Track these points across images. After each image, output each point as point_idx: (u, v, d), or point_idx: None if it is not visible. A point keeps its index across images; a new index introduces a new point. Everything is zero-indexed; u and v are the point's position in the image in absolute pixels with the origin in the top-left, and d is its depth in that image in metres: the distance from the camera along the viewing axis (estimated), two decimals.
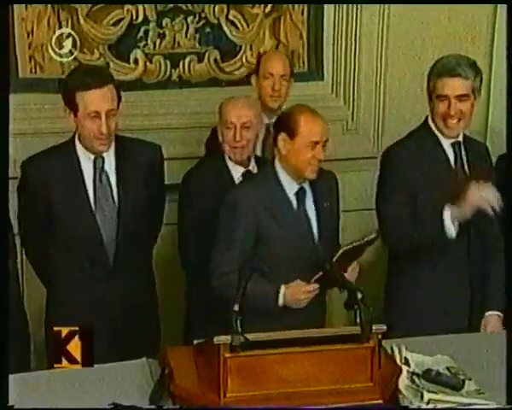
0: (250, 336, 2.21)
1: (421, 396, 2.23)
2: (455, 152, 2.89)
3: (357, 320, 2.26)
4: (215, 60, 3.76)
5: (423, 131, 2.93)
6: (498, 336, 2.57)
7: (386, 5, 3.80)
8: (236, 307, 2.25)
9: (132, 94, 3.47)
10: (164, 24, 3.64)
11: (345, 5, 3.77)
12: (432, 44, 3.88)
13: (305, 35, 3.84)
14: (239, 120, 3.01)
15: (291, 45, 3.83)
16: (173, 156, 3.37)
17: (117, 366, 2.43)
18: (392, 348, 2.42)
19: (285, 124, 2.74)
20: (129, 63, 3.64)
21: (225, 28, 3.74)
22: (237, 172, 3.06)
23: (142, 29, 3.62)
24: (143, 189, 2.83)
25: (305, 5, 3.80)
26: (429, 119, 2.92)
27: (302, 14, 3.80)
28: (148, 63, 3.66)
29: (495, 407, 2.20)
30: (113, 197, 2.76)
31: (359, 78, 3.87)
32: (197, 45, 3.72)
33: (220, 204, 2.78)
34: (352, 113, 3.90)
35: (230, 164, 3.06)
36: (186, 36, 3.69)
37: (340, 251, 2.64)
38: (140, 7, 3.59)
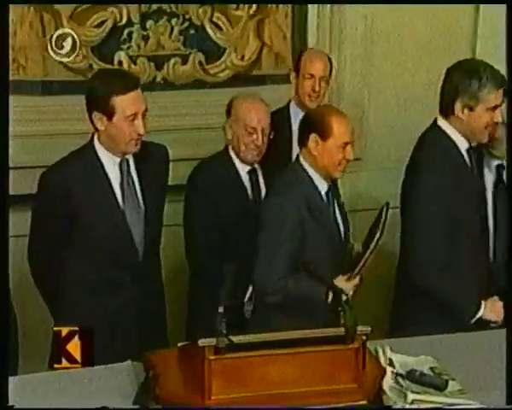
0: (235, 338, 2.21)
1: (405, 397, 2.23)
2: (469, 156, 2.91)
3: (342, 322, 2.27)
4: (199, 62, 3.76)
5: (439, 139, 2.88)
6: (484, 336, 2.60)
7: (370, 7, 3.81)
8: (221, 309, 2.25)
9: None
10: (148, 26, 3.64)
11: (328, 7, 3.79)
12: (416, 46, 3.90)
13: (289, 37, 3.85)
14: (260, 125, 3.07)
15: (275, 47, 3.84)
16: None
17: (101, 370, 2.42)
18: (376, 349, 2.43)
19: (316, 125, 2.77)
20: (113, 65, 3.63)
21: (209, 30, 3.74)
22: (243, 170, 3.12)
23: (126, 31, 3.61)
24: (159, 190, 2.85)
25: (290, 7, 3.81)
26: (447, 125, 2.87)
27: (286, 16, 3.81)
28: (132, 65, 3.65)
29: (479, 406, 2.21)
30: (138, 199, 2.76)
31: (343, 78, 3.89)
32: (181, 47, 3.72)
33: (263, 210, 2.82)
34: None
35: (237, 161, 3.11)
36: (170, 38, 3.69)
37: (375, 239, 2.73)
38: (124, 9, 3.58)
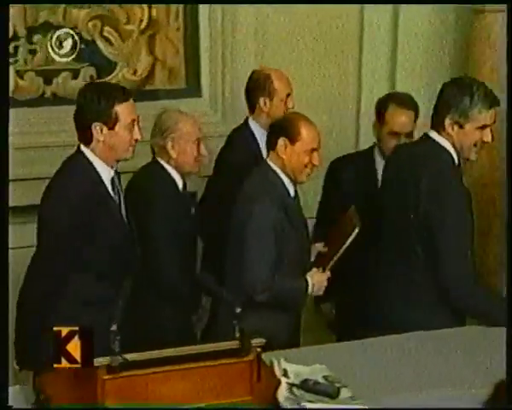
0: (129, 356, 2.18)
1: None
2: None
3: (236, 334, 2.28)
4: (91, 76, 3.71)
5: (437, 151, 2.87)
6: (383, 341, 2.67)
7: (262, 8, 3.81)
8: (114, 327, 2.21)
9: None
10: (35, 40, 3.57)
11: (219, 19, 3.81)
12: (308, 47, 3.95)
13: (181, 51, 3.85)
14: (201, 134, 3.12)
15: (168, 62, 3.84)
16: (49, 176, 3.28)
17: None
18: (271, 361, 2.45)
19: (285, 129, 2.90)
20: None
21: (100, 44, 3.69)
22: (180, 183, 3.12)
23: (12, 45, 3.52)
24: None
25: (181, 21, 3.81)
26: (441, 138, 2.85)
27: (178, 30, 3.81)
28: (19, 80, 3.57)
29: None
30: (127, 216, 2.80)
31: (238, 84, 3.85)
32: (72, 62, 3.66)
33: (245, 221, 2.84)
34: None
35: (174, 173, 3.10)
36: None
37: (353, 234, 2.87)
38: (9, 22, 3.49)
